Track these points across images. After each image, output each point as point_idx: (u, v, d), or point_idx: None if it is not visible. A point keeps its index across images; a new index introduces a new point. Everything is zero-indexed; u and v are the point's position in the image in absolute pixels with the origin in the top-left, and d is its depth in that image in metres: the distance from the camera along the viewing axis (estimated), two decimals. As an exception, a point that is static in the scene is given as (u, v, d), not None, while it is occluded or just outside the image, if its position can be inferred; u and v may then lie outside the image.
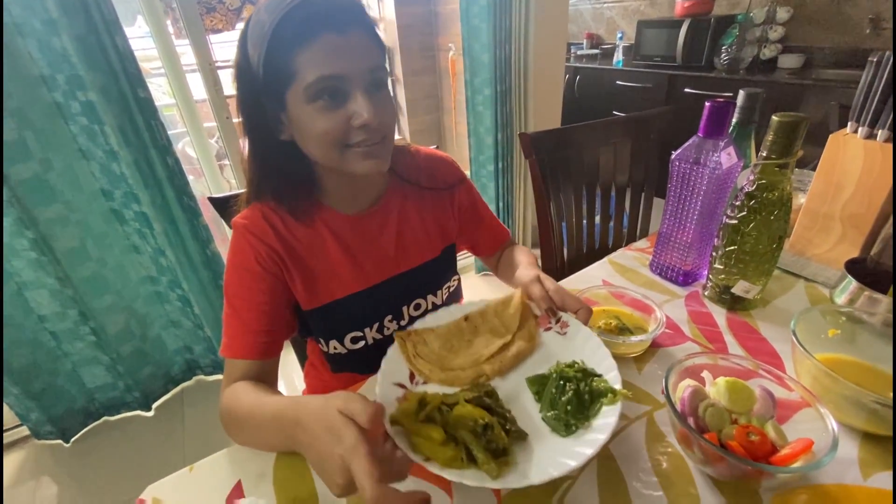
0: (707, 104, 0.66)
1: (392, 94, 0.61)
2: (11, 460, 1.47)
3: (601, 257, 0.92)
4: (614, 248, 1.25)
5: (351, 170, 0.58)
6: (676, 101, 2.53)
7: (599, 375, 0.52)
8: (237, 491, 0.50)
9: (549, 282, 0.62)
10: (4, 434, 1.52)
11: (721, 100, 0.66)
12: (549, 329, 0.60)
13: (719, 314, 0.72)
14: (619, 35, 2.99)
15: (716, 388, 0.51)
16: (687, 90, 2.46)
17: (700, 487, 0.47)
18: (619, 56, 2.93)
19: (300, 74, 0.52)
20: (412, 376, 0.54)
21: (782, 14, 2.36)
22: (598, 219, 1.23)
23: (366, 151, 0.57)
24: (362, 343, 0.70)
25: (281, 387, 0.85)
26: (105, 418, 1.57)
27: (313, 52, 0.51)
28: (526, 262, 0.75)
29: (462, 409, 0.45)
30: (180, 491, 0.50)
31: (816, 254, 0.81)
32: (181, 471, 0.53)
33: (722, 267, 0.70)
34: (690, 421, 0.48)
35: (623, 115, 1.17)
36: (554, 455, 0.45)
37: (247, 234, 0.62)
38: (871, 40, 2.17)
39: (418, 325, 0.60)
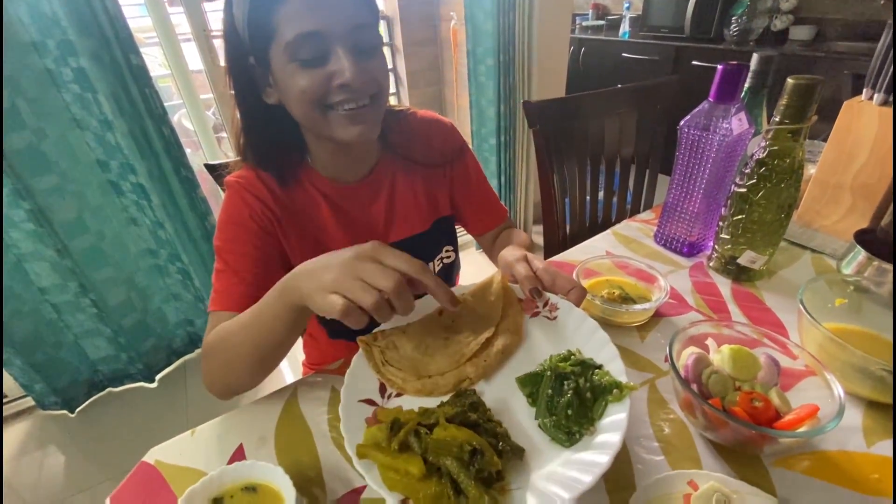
0: (719, 67, 0.64)
1: (387, 60, 0.58)
2: (17, 430, 1.50)
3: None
4: (617, 223, 1.24)
5: (336, 136, 0.56)
6: (684, 74, 2.47)
7: (600, 366, 0.45)
8: (239, 454, 0.50)
9: (536, 261, 0.56)
10: (10, 405, 1.54)
11: (734, 63, 0.64)
12: (537, 314, 0.53)
13: (724, 285, 0.71)
14: (626, 5, 2.90)
15: (720, 356, 0.51)
16: (695, 63, 2.40)
17: (701, 452, 0.47)
18: (625, 27, 2.84)
19: (279, 32, 0.50)
20: (382, 388, 0.45)
21: (796, -17, 2.28)
22: (601, 193, 1.21)
23: (350, 115, 0.55)
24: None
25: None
26: (109, 389, 1.59)
27: (292, 8, 0.49)
28: (516, 244, 0.72)
29: (443, 431, 0.37)
30: (183, 454, 0.51)
31: (824, 225, 0.80)
32: (183, 434, 0.53)
33: (728, 237, 0.69)
34: (694, 387, 0.48)
35: (625, 85, 1.13)
36: (560, 470, 0.37)
37: (241, 191, 0.61)
38: (884, 12, 2.10)
39: (386, 325, 0.50)
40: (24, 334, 1.33)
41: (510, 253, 0.59)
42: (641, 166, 1.21)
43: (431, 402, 0.44)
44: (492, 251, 0.84)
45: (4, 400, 1.54)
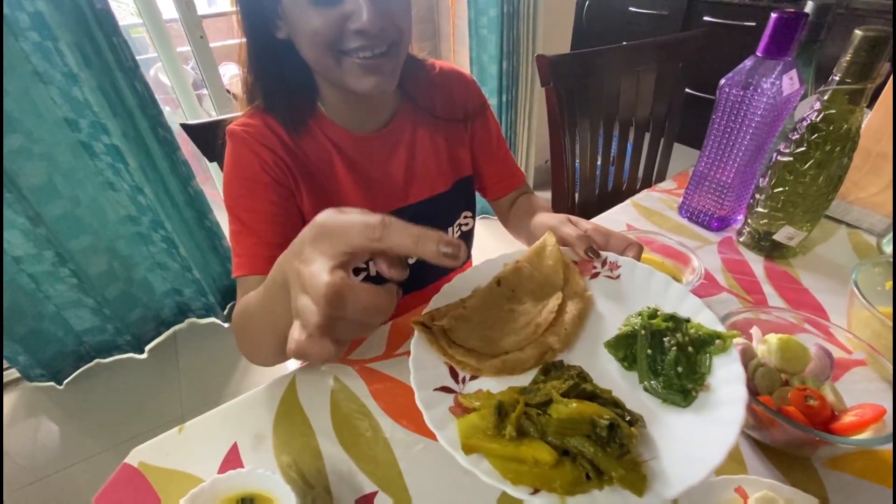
0: (774, 15, 0.56)
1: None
2: (5, 401, 1.45)
3: (615, 201, 0.84)
4: (629, 192, 1.18)
5: (350, 85, 0.49)
6: (694, 29, 2.34)
7: (688, 319, 0.41)
8: (233, 455, 0.45)
9: (583, 222, 0.52)
10: (-6, 376, 1.49)
11: (791, 10, 0.55)
12: (597, 275, 0.48)
13: (756, 262, 0.66)
14: (636, -47, 2.70)
15: (766, 346, 0.46)
16: (707, 18, 2.26)
17: (746, 454, 0.43)
18: (634, -22, 2.66)
19: None
20: (453, 372, 0.39)
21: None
22: (613, 156, 1.14)
23: (366, 64, 0.48)
24: (364, 274, 0.65)
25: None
26: (97, 360, 1.54)
27: None
28: (545, 208, 0.67)
29: (566, 408, 0.32)
30: (170, 454, 0.45)
31: (861, 197, 0.74)
32: (170, 431, 0.47)
33: (766, 210, 0.63)
34: (740, 382, 0.43)
35: (648, 39, 1.03)
36: (689, 435, 0.34)
37: (249, 140, 0.54)
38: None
39: (434, 302, 0.44)
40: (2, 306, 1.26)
41: (549, 218, 0.55)
42: (657, 133, 1.13)
43: (513, 382, 0.39)
44: (507, 217, 0.78)
45: (-13, 372, 1.49)
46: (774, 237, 0.64)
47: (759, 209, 0.64)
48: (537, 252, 0.48)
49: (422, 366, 0.38)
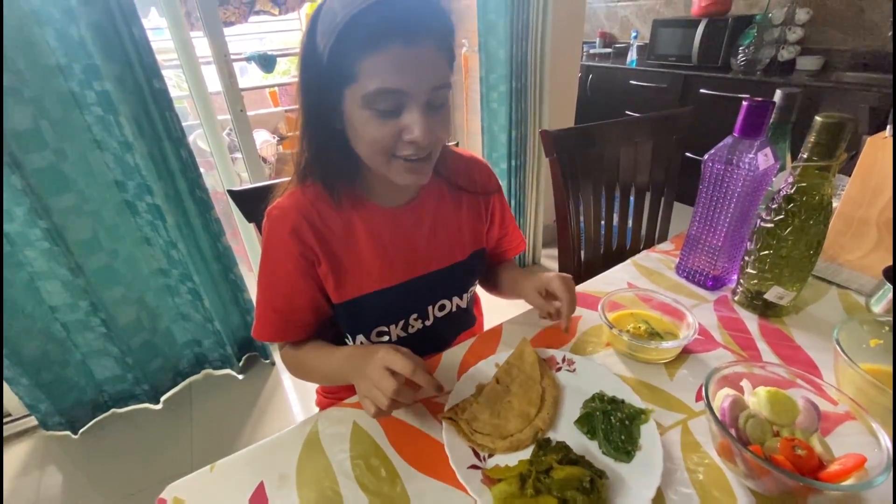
0: (745, 103, 0.64)
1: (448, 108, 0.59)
2: (18, 451, 1.47)
3: (619, 259, 0.90)
4: (632, 251, 1.24)
5: (394, 180, 0.58)
6: (691, 101, 2.50)
7: (623, 400, 0.56)
8: (259, 493, 0.48)
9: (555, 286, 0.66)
10: (12, 424, 1.51)
11: (759, 99, 0.64)
12: (560, 370, 0.63)
13: (751, 320, 0.70)
14: (634, 34, 2.96)
15: (756, 399, 0.49)
16: (703, 91, 2.43)
17: (741, 501, 0.45)
18: (632, 55, 2.89)
19: (361, 80, 0.50)
20: (476, 453, 0.53)
21: (801, 15, 2.32)
22: (616, 218, 1.21)
23: (409, 166, 0.56)
24: (386, 338, 0.71)
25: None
26: (113, 410, 1.56)
27: (378, 62, 0.48)
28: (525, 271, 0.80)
29: (562, 471, 0.47)
30: (202, 491, 0.49)
31: (849, 259, 0.79)
32: (202, 469, 0.51)
33: (755, 272, 0.68)
34: (732, 432, 0.46)
35: (642, 114, 1.14)
36: (635, 478, 0.48)
37: (281, 227, 0.62)
38: (892, 43, 2.12)
39: (454, 397, 0.59)
40: (33, 353, 1.32)
41: (541, 276, 0.69)
42: (657, 194, 1.21)
43: (517, 456, 0.52)
44: (493, 276, 0.84)
45: (7, 419, 1.52)
46: (765, 297, 0.68)
47: (750, 270, 0.69)
48: (519, 354, 0.64)
49: (455, 450, 0.52)
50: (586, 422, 0.55)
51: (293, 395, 1.61)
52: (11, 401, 1.46)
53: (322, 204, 0.63)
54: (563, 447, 0.51)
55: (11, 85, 1.08)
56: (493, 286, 0.85)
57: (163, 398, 1.61)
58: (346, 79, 0.51)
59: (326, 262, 0.64)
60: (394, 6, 0.47)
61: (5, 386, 1.35)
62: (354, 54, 0.49)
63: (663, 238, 1.25)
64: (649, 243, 1.25)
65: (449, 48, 0.53)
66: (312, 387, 0.88)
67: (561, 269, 1.18)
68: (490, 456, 0.52)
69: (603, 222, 1.18)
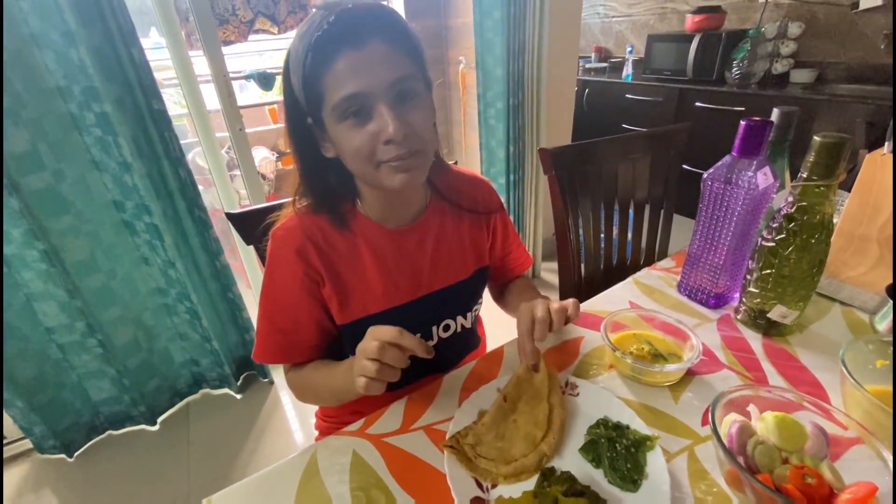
0: (743, 123, 0.64)
1: (433, 107, 0.61)
2: (13, 475, 1.44)
3: (620, 274, 0.89)
4: (633, 266, 1.23)
5: (384, 184, 0.58)
6: (687, 115, 2.52)
7: (627, 426, 0.55)
8: (257, 528, 0.47)
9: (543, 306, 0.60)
10: (6, 447, 1.49)
11: (758, 119, 0.64)
12: (564, 394, 0.62)
13: (754, 339, 0.69)
14: (629, 49, 3.00)
15: (763, 424, 0.48)
16: (698, 104, 2.45)
17: (752, 533, 0.44)
18: (628, 70, 2.92)
19: (327, 96, 0.53)
20: (478, 483, 0.51)
21: (794, 29, 2.35)
22: (615, 233, 1.21)
23: (397, 166, 0.56)
24: None
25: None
26: (109, 432, 1.54)
27: (335, 73, 0.52)
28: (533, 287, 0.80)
29: (567, 502, 0.46)
30: (196, 526, 0.48)
31: (851, 276, 0.78)
32: (197, 504, 0.50)
33: (757, 290, 0.67)
34: (740, 460, 0.45)
35: (638, 129, 1.15)
36: None
37: (286, 247, 0.63)
38: (885, 56, 2.15)
39: (455, 425, 0.56)
40: (28, 376, 1.31)
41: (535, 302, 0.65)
42: (655, 208, 1.21)
43: (521, 487, 0.50)
44: (503, 294, 0.86)
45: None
46: (769, 315, 0.68)
47: (752, 289, 0.69)
48: (526, 369, 0.61)
49: (457, 481, 0.50)
50: (591, 449, 0.54)
51: (292, 414, 1.59)
52: (6, 424, 1.44)
53: (326, 225, 0.64)
54: (568, 477, 0.49)
55: (9, 107, 1.08)
56: (504, 304, 0.87)
57: (160, 419, 1.59)
58: (319, 103, 0.54)
59: (331, 283, 0.64)
60: (341, 19, 0.50)
61: None
62: (318, 75, 0.52)
63: (664, 251, 1.25)
64: (650, 257, 1.25)
65: (402, 43, 0.54)
66: (311, 406, 0.86)
67: (562, 286, 1.17)
68: (493, 486, 0.51)
69: (603, 237, 1.18)
